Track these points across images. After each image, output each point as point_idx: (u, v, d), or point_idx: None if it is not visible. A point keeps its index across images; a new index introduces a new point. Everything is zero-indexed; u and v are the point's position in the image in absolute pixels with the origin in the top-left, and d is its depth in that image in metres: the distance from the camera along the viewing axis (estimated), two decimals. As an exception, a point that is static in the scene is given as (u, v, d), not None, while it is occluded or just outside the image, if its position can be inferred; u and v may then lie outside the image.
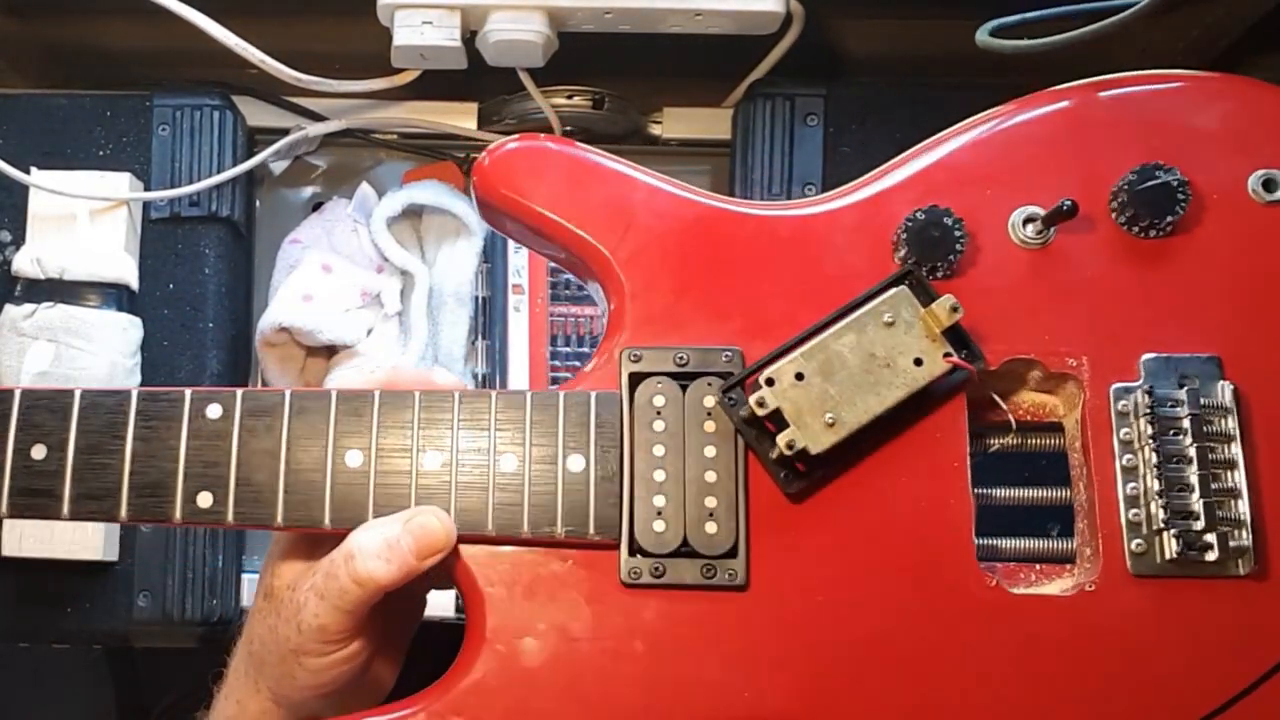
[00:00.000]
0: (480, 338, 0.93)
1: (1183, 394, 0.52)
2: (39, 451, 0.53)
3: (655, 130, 0.97)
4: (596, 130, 0.97)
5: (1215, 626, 0.51)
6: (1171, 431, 0.52)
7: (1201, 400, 0.52)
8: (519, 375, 0.91)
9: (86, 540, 0.84)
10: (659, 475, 0.52)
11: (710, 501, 0.52)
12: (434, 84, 0.91)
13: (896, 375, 0.51)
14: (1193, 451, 0.51)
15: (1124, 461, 0.53)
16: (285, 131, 0.93)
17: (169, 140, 0.90)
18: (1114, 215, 0.55)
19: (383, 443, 0.53)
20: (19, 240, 0.88)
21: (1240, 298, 0.54)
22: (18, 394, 0.54)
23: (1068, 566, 0.54)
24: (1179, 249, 0.54)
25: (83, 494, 0.53)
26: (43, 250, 0.85)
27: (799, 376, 0.51)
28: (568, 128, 0.96)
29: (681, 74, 0.97)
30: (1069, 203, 0.53)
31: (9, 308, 0.85)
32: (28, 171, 0.86)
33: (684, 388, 0.54)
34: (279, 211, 0.98)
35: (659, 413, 0.53)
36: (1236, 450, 0.52)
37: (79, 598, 0.87)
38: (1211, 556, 0.51)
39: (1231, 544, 0.51)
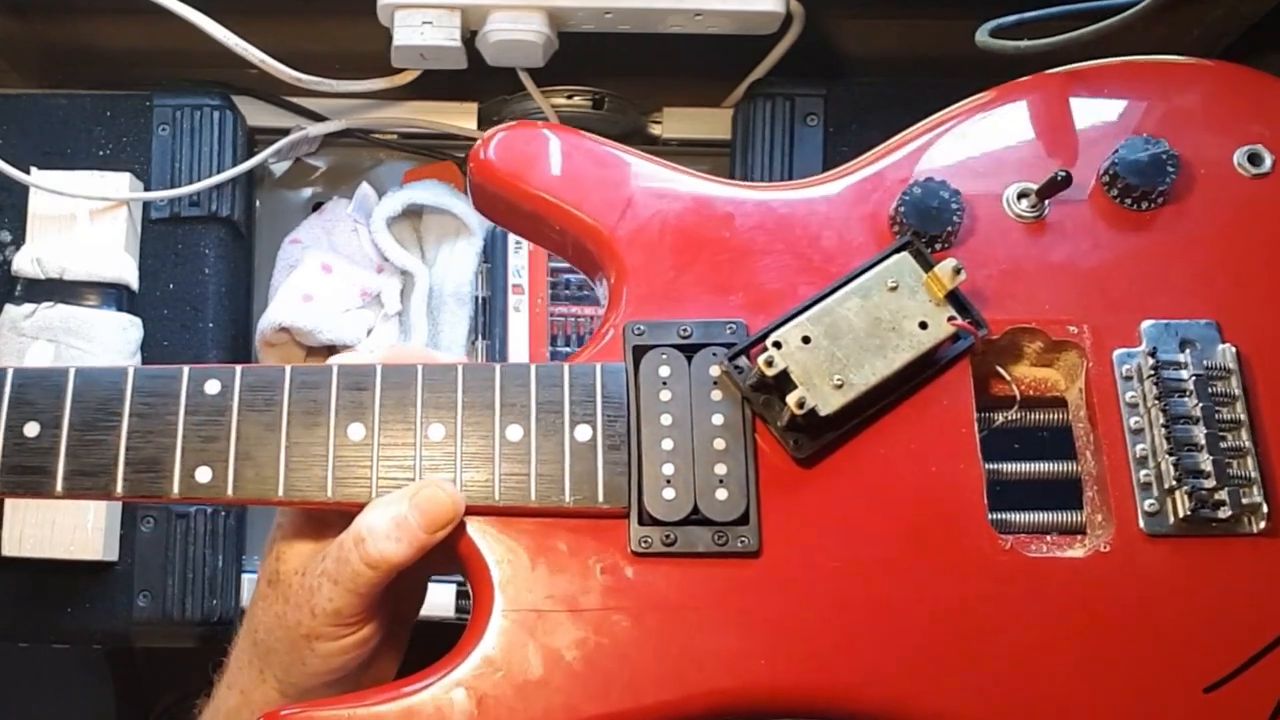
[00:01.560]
0: (480, 338, 0.93)
1: (1185, 357, 0.53)
2: (32, 429, 0.52)
3: (655, 130, 0.97)
4: (596, 130, 0.96)
5: (1231, 584, 0.51)
6: (1177, 393, 0.52)
7: (1205, 362, 0.53)
8: (519, 375, 0.91)
9: (86, 540, 0.84)
10: (667, 444, 0.52)
11: (720, 469, 0.52)
12: (434, 84, 0.91)
13: (902, 338, 0.51)
14: (1199, 411, 0.51)
15: (1131, 424, 0.53)
16: (285, 131, 0.93)
17: (169, 140, 0.90)
18: (1106, 189, 0.56)
19: (385, 416, 0.52)
20: (19, 240, 0.88)
21: (1234, 265, 0.55)
22: (10, 373, 0.53)
23: (1079, 537, 0.53)
24: (1171, 221, 0.55)
25: (76, 470, 0.52)
26: (43, 250, 0.85)
27: (806, 340, 0.51)
28: (568, 128, 0.96)
29: (681, 74, 0.97)
30: (1063, 173, 0.54)
31: (9, 308, 0.85)
32: (28, 171, 0.86)
33: (689, 358, 0.53)
34: (279, 211, 0.98)
35: (665, 383, 0.53)
36: (1241, 410, 0.52)
37: (79, 598, 0.87)
38: (1224, 514, 0.51)
39: (1244, 501, 0.51)
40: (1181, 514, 0.51)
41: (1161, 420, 0.52)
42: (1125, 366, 0.54)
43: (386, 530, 0.50)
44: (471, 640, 0.50)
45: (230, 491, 0.52)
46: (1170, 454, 0.51)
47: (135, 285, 0.88)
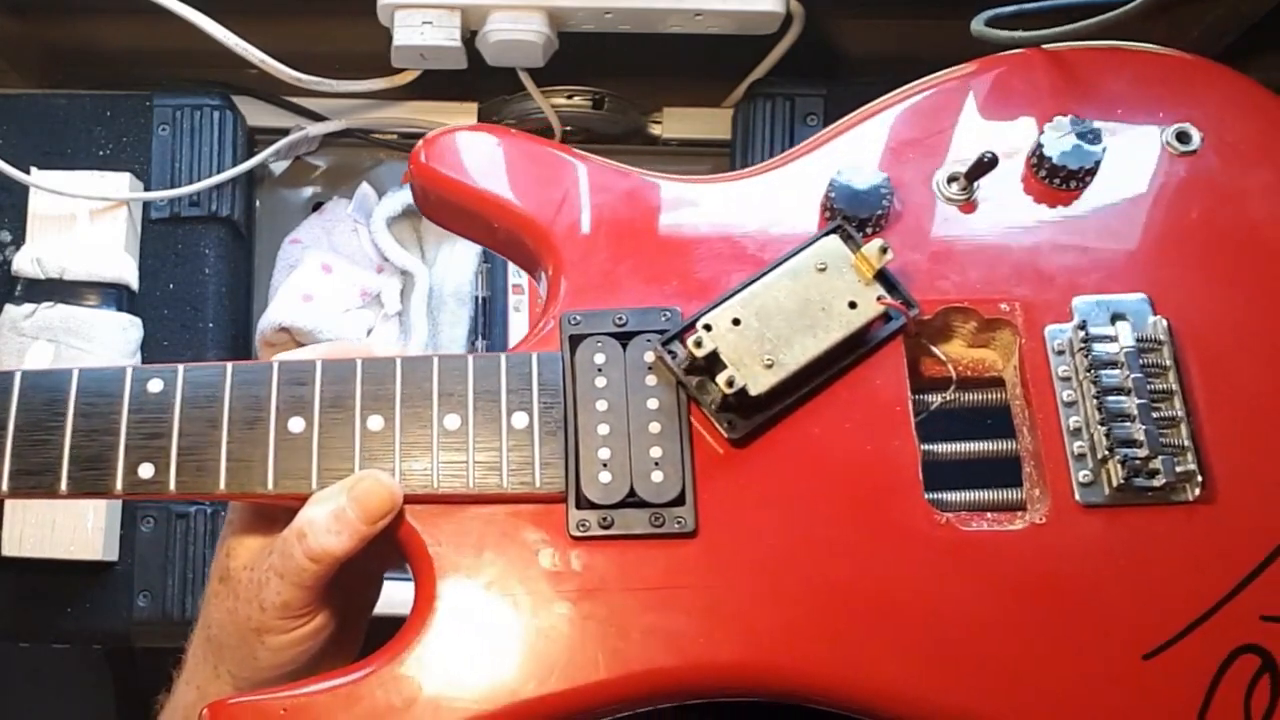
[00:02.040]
0: (480, 338, 0.93)
1: (1117, 330, 0.53)
2: None
3: (655, 130, 0.97)
4: (596, 130, 0.97)
5: (1168, 552, 0.51)
6: (1108, 365, 0.53)
7: (1136, 335, 0.53)
8: (519, 375, 0.91)
9: (86, 540, 0.84)
10: (603, 429, 0.52)
11: (655, 451, 0.52)
12: (434, 84, 0.91)
13: (832, 318, 0.52)
14: (1130, 382, 0.52)
15: (1064, 397, 0.53)
16: (285, 131, 0.93)
17: (169, 140, 0.90)
18: (1035, 170, 0.56)
19: (325, 408, 0.52)
20: (19, 240, 0.88)
21: (1164, 240, 0.55)
22: None
23: (1018, 513, 0.53)
24: (1100, 199, 0.56)
25: (21, 470, 0.52)
26: (43, 250, 0.85)
27: (736, 322, 0.52)
28: (568, 128, 0.96)
29: (681, 74, 0.97)
30: (989, 154, 0.54)
31: (9, 308, 0.85)
32: (28, 171, 0.86)
33: (624, 346, 0.54)
34: (279, 211, 0.98)
35: (600, 370, 0.53)
36: (1174, 380, 0.53)
37: (79, 598, 0.87)
38: (1159, 482, 0.51)
39: (1178, 469, 0.51)
40: (1115, 483, 0.51)
41: (1093, 392, 0.52)
42: (1057, 341, 0.54)
43: (326, 524, 0.51)
44: (414, 626, 0.51)
45: (172, 486, 0.52)
46: (1102, 424, 0.52)
47: (135, 285, 0.88)
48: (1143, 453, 0.51)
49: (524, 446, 0.52)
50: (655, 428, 0.52)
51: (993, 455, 0.56)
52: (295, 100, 0.94)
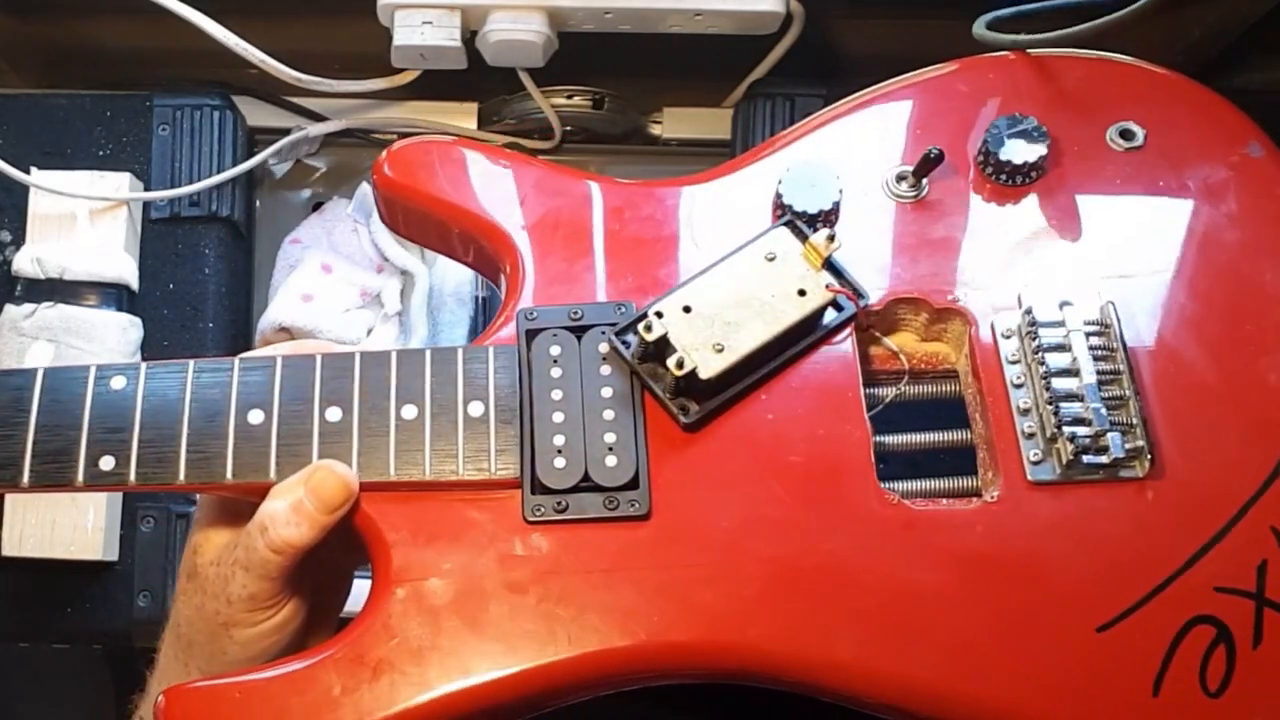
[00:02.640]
0: (480, 338, 0.93)
1: (1064, 314, 0.55)
2: None
3: (655, 130, 0.97)
4: (596, 130, 0.97)
5: (1119, 527, 0.52)
6: (1056, 347, 0.54)
7: (1083, 318, 0.55)
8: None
9: (86, 540, 0.84)
10: (558, 416, 0.53)
11: (609, 437, 0.53)
12: (434, 84, 0.91)
13: (782, 305, 0.53)
14: (1078, 364, 0.53)
15: (1013, 378, 0.54)
16: (285, 131, 0.93)
17: (169, 140, 0.90)
18: (982, 168, 0.58)
19: (285, 401, 0.54)
20: (19, 240, 0.88)
21: (1110, 233, 0.57)
22: None
23: (973, 499, 0.54)
24: (1046, 194, 0.58)
25: None
26: (43, 250, 0.85)
27: (687, 309, 0.53)
28: (568, 128, 0.96)
29: (681, 74, 0.97)
30: (935, 150, 0.56)
31: (9, 308, 0.85)
32: (28, 171, 0.86)
33: (579, 338, 0.55)
34: (279, 211, 0.98)
35: (555, 360, 0.55)
36: (1121, 361, 0.54)
37: (79, 598, 0.87)
38: (1107, 459, 0.52)
39: (1127, 445, 0.52)
40: (1065, 460, 0.52)
41: (1041, 372, 0.53)
42: (1005, 327, 0.55)
43: (286, 516, 0.52)
44: (370, 610, 0.51)
45: (133, 478, 0.53)
46: (1049, 404, 0.53)
47: (135, 285, 0.88)
48: (1091, 430, 0.52)
49: (480, 435, 0.53)
50: (609, 414, 0.53)
51: (947, 445, 0.56)
52: (295, 100, 0.94)
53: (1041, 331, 0.54)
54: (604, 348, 0.55)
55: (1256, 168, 0.58)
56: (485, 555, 0.52)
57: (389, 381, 0.54)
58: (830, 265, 0.54)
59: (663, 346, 0.52)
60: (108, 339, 0.84)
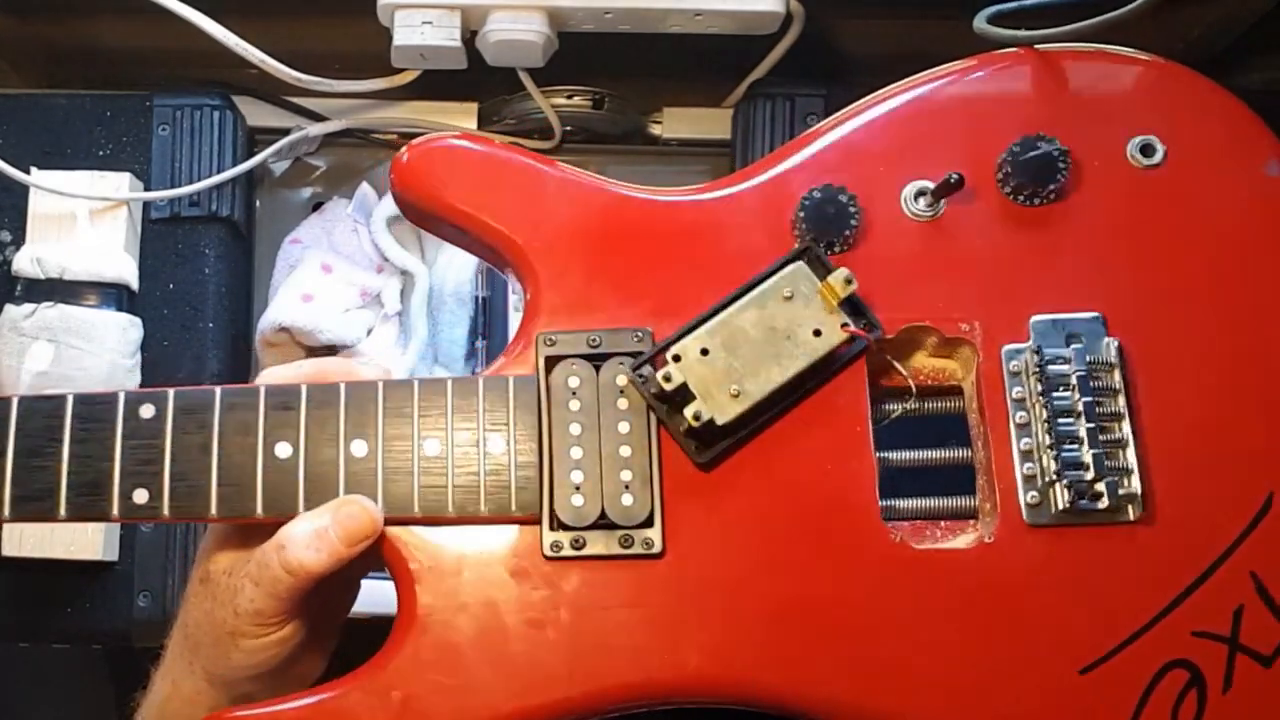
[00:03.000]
0: (480, 338, 0.93)
1: (1070, 352, 0.54)
2: None
3: (655, 130, 0.97)
4: (596, 130, 0.97)
5: (1108, 570, 0.53)
6: (1060, 388, 0.54)
7: (1088, 357, 0.54)
8: (519, 375, 0.91)
9: (86, 540, 0.84)
10: (576, 452, 0.54)
11: (625, 475, 0.54)
12: (434, 84, 0.91)
13: (797, 346, 0.53)
14: (1081, 406, 0.53)
15: (1017, 419, 0.55)
16: (285, 131, 0.93)
17: (169, 140, 0.90)
18: (1000, 186, 0.57)
19: (310, 434, 0.54)
20: (19, 240, 0.88)
21: (1122, 257, 0.56)
22: None
23: (971, 522, 0.55)
24: (1063, 215, 0.57)
25: (21, 496, 0.54)
26: (43, 250, 0.85)
27: (704, 352, 0.53)
28: (568, 127, 0.96)
29: (681, 74, 0.96)
30: (956, 176, 0.55)
31: (9, 308, 0.85)
32: (28, 171, 0.86)
33: (597, 368, 0.56)
34: (279, 211, 0.98)
35: (574, 393, 0.55)
36: (1122, 403, 0.54)
37: (79, 598, 0.87)
38: (1102, 505, 0.53)
39: (1121, 491, 0.53)
40: (1062, 505, 0.53)
41: (1044, 416, 0.54)
42: (1013, 363, 0.55)
43: (306, 540, 0.53)
44: (396, 643, 0.53)
45: (166, 512, 0.54)
46: (1051, 449, 0.53)
47: (135, 285, 0.88)
48: (1089, 476, 0.53)
49: (500, 471, 0.54)
50: (626, 451, 0.54)
51: (948, 462, 0.57)
52: (295, 100, 0.94)
53: (1048, 369, 0.54)
54: (621, 380, 0.55)
55: (1274, 189, 0.57)
56: (506, 589, 0.54)
57: (412, 413, 0.55)
58: (846, 300, 0.54)
59: (682, 392, 0.53)
60: (107, 339, 0.84)
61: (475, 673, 0.52)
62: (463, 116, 0.96)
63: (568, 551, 0.54)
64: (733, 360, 0.53)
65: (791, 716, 0.54)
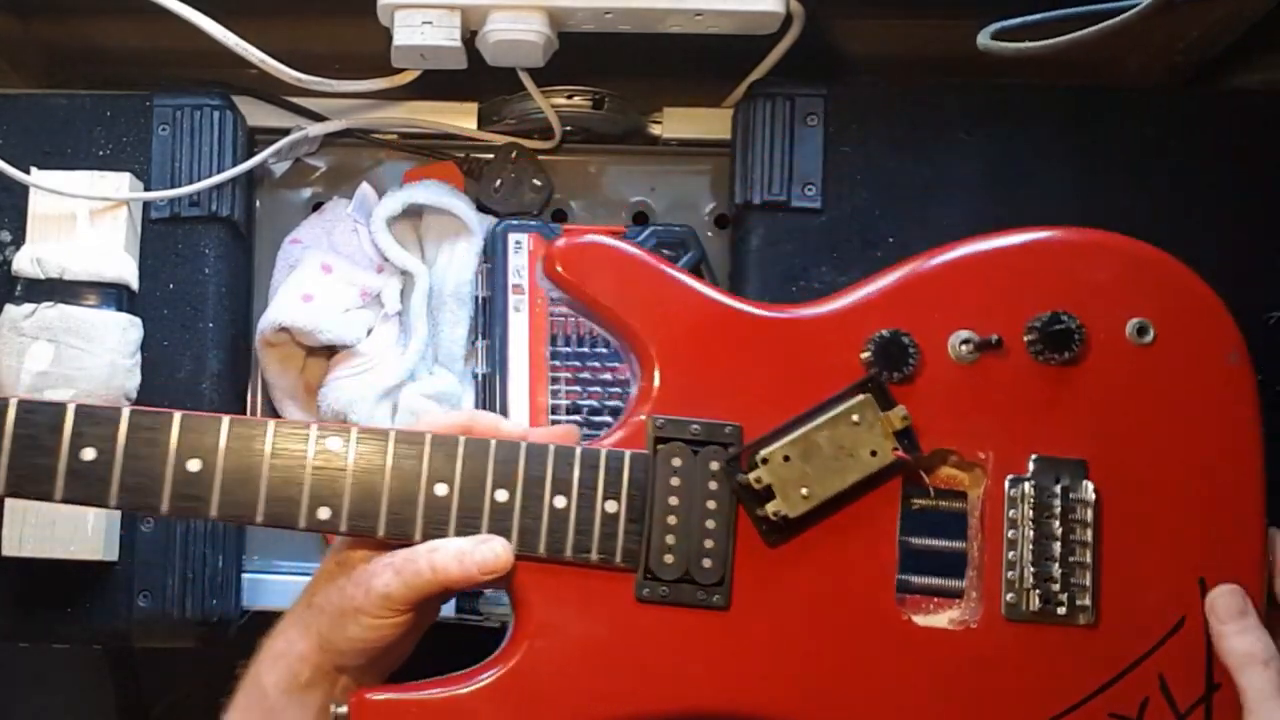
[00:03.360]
0: (480, 338, 0.93)
1: (1058, 489, 0.69)
2: (194, 464, 0.66)
3: (655, 130, 0.97)
4: (596, 130, 0.97)
5: (1058, 659, 0.68)
6: (1046, 515, 0.69)
7: (1070, 495, 0.69)
8: (519, 375, 0.91)
9: (86, 540, 0.84)
10: (671, 520, 0.68)
11: (708, 543, 0.68)
12: (434, 84, 0.91)
13: (856, 462, 0.68)
14: (1058, 532, 0.69)
15: (1009, 535, 0.69)
16: (285, 131, 0.93)
17: (169, 140, 0.90)
18: (1026, 345, 0.71)
19: (464, 479, 0.67)
20: (19, 240, 0.88)
21: (1110, 416, 0.71)
22: (178, 416, 0.67)
23: (956, 601, 0.70)
24: (1071, 376, 0.71)
25: (228, 502, 0.66)
26: (43, 250, 0.85)
27: (785, 459, 0.67)
28: (568, 127, 0.96)
29: (681, 74, 0.97)
30: (996, 338, 0.70)
31: (9, 308, 0.85)
32: (28, 171, 0.86)
33: (695, 453, 0.69)
34: (279, 211, 0.98)
35: (675, 471, 0.68)
36: (1089, 535, 0.69)
37: (79, 598, 0.87)
38: (1062, 611, 0.68)
39: (1078, 603, 0.68)
40: (1033, 607, 0.68)
41: (1030, 536, 0.69)
42: (1013, 491, 0.70)
43: (454, 554, 0.65)
44: (511, 653, 0.67)
45: (344, 527, 0.66)
46: (1031, 564, 0.69)
47: (135, 285, 0.88)
48: (1056, 588, 0.68)
49: (611, 528, 0.68)
50: (710, 524, 0.68)
51: (949, 550, 0.72)
52: (295, 100, 0.94)
53: (1040, 501, 0.69)
54: (714, 466, 0.68)
55: (1233, 377, 0.71)
56: (602, 622, 0.67)
57: (546, 473, 0.68)
58: (900, 431, 0.68)
59: (766, 491, 0.67)
60: (107, 339, 0.84)
61: (574, 682, 0.66)
62: (463, 116, 0.96)
63: (656, 598, 0.67)
64: (807, 468, 0.67)
65: None
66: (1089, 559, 0.69)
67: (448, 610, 0.88)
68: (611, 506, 0.68)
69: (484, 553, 0.65)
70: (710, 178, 0.98)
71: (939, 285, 0.72)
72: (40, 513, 0.84)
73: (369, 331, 0.92)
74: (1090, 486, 0.69)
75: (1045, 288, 0.71)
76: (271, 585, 0.93)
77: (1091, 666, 0.69)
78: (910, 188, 0.88)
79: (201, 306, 0.90)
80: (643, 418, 0.69)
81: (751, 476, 0.67)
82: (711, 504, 0.68)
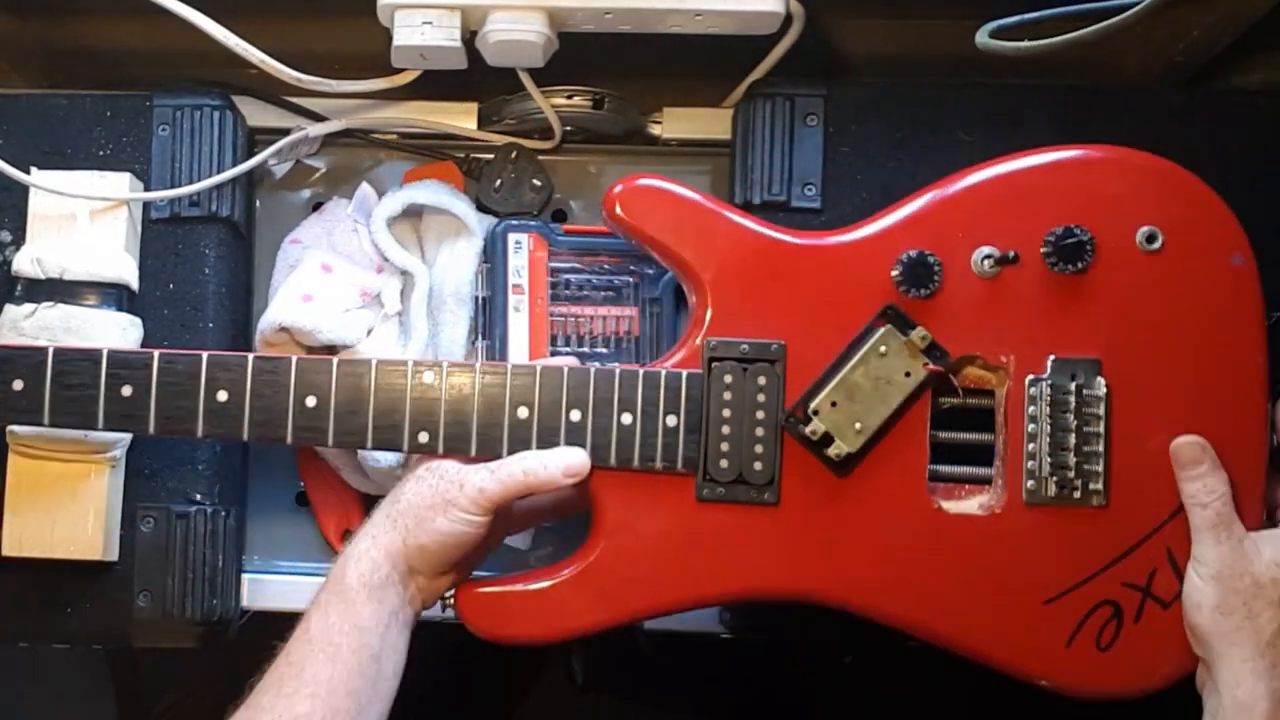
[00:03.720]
0: (480, 338, 0.93)
1: (1073, 386, 0.77)
2: (311, 401, 0.77)
3: (655, 130, 0.97)
4: (596, 130, 0.97)
5: (1074, 537, 0.77)
6: (1062, 410, 0.76)
7: (1084, 391, 0.76)
8: (519, 375, 0.91)
9: (86, 540, 0.84)
10: (725, 429, 0.77)
11: (758, 449, 0.77)
12: (434, 84, 0.91)
13: (895, 387, 0.77)
14: (1073, 425, 0.76)
15: (1029, 429, 0.77)
16: (285, 131, 0.93)
17: (169, 140, 0.90)
18: (1044, 258, 0.77)
19: (543, 400, 0.77)
20: (19, 240, 0.88)
21: (1121, 319, 0.77)
22: (205, 357, 0.77)
23: (985, 486, 0.79)
24: (1084, 284, 0.77)
25: (342, 430, 0.77)
26: (43, 250, 0.85)
27: (833, 404, 0.76)
28: (568, 127, 0.96)
29: (681, 74, 0.97)
30: (1014, 254, 0.77)
31: (9, 308, 0.85)
32: (28, 171, 0.87)
33: (745, 370, 0.78)
34: (279, 212, 0.98)
35: (727, 387, 0.77)
36: (1102, 427, 0.76)
37: (79, 598, 0.87)
38: (1077, 495, 0.77)
39: (1091, 487, 0.76)
40: (1050, 493, 0.77)
41: (1048, 429, 0.77)
42: (1033, 389, 0.77)
43: (543, 460, 0.75)
44: (590, 549, 0.77)
45: (440, 449, 0.77)
46: (1049, 454, 0.77)
47: (135, 285, 0.88)
48: (1071, 475, 0.76)
49: (672, 438, 0.77)
50: (760, 432, 0.77)
51: (978, 443, 0.80)
52: (295, 100, 0.94)
53: (1055, 398, 0.76)
54: (761, 380, 0.77)
55: (1237, 277, 0.77)
56: (668, 518, 0.77)
57: (613, 393, 0.77)
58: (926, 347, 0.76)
59: (824, 438, 0.76)
60: (107, 339, 0.84)
61: (646, 570, 0.77)
62: (463, 116, 0.96)
63: (713, 498, 0.77)
64: (854, 406, 0.76)
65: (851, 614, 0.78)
66: (1101, 448, 0.76)
67: (448, 610, 0.88)
68: (672, 420, 0.77)
69: (568, 458, 0.75)
70: (710, 178, 0.98)
71: (960, 208, 0.79)
72: (40, 513, 0.84)
73: (369, 331, 0.92)
74: (1102, 383, 0.76)
75: (1058, 203, 0.77)
76: (271, 585, 0.93)
77: (1105, 543, 0.76)
78: (910, 188, 0.88)
79: (201, 306, 0.90)
80: (698, 341, 0.78)
81: (808, 430, 0.76)
82: (760, 414, 0.77)
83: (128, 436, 0.86)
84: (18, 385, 0.78)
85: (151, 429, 0.77)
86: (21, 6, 0.95)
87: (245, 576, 0.93)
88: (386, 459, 0.88)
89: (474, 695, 1.28)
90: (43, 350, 0.78)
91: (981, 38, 0.81)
